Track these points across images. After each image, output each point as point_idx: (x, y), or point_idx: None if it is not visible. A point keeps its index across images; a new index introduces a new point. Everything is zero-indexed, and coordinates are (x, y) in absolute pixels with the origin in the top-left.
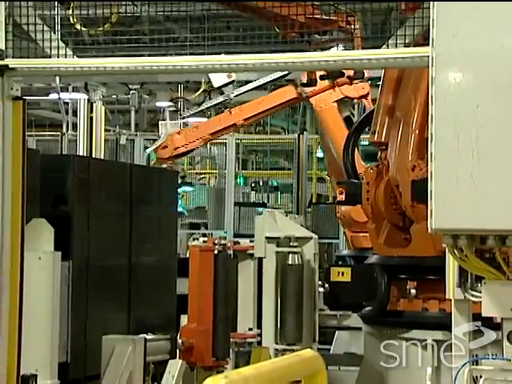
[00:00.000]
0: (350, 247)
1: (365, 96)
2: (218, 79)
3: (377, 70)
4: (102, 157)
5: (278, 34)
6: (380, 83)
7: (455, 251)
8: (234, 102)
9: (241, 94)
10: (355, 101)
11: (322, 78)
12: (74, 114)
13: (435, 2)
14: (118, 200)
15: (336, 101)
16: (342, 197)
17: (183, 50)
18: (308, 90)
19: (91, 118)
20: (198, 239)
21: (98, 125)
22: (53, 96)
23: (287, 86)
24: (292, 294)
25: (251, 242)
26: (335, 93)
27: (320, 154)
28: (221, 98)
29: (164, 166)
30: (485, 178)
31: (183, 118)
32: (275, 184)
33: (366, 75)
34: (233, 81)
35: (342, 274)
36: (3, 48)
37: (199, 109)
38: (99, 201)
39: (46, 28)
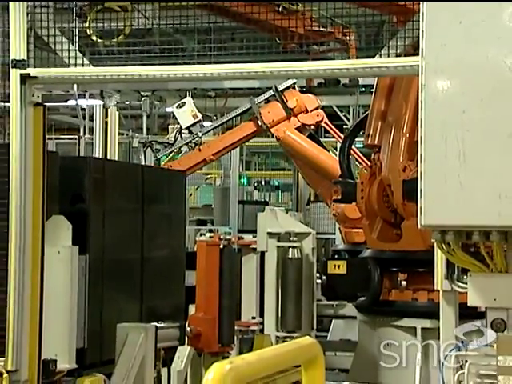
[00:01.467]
0: (345, 242)
1: (320, 122)
2: (185, 120)
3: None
4: (116, 158)
5: (279, 45)
6: (373, 90)
7: (443, 246)
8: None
9: (206, 132)
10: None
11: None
12: (91, 118)
13: (424, 16)
14: (130, 198)
15: (295, 129)
16: (338, 195)
17: (191, 59)
18: (267, 121)
19: (106, 122)
20: (204, 235)
21: (113, 129)
22: (71, 102)
23: (247, 121)
24: (292, 285)
25: (254, 237)
26: (292, 122)
27: None
28: (190, 137)
29: None
30: (470, 177)
31: (157, 158)
32: (276, 183)
33: None
34: (199, 120)
35: (338, 266)
36: (25, 58)
37: (171, 149)
38: (113, 199)
39: (64, 39)
